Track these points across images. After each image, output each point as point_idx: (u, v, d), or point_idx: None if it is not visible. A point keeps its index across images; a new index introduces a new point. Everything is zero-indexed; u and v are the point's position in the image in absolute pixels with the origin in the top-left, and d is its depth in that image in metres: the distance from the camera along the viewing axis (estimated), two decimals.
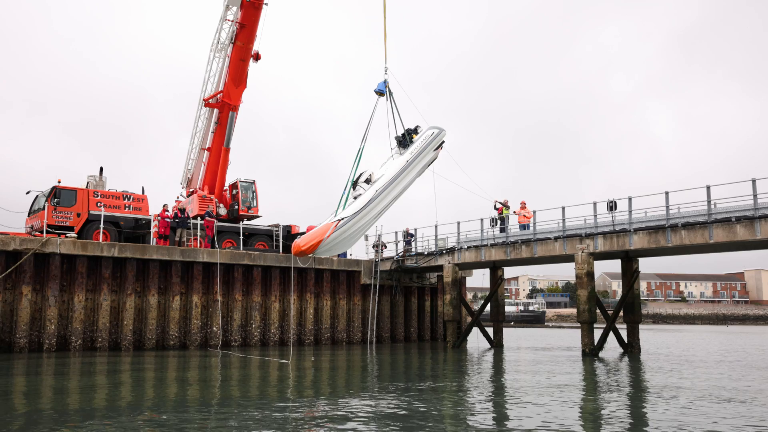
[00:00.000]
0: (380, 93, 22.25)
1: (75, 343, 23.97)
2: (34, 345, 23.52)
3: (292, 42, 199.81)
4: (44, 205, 25.78)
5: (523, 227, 26.76)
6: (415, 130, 22.47)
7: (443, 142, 22.72)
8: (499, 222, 27.11)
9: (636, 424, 10.10)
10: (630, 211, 22.68)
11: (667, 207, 21.68)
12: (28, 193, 27.68)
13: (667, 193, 21.68)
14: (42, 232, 24.92)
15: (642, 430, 9.57)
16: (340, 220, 18.14)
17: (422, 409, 11.27)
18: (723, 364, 22.09)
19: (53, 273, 23.88)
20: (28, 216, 27.85)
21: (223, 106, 30.94)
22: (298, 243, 17.95)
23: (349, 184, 20.00)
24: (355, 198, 19.57)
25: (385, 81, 22.27)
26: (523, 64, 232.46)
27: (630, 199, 22.73)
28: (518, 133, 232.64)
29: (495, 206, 27.36)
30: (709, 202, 20.61)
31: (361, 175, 20.58)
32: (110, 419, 9.97)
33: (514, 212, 27.20)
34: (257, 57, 30.78)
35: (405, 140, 22.14)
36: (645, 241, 22.30)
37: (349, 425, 9.73)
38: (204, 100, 31.32)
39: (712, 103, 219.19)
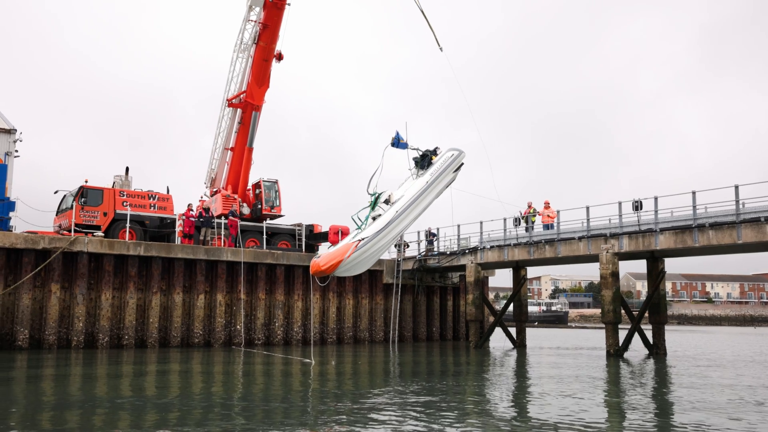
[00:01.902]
0: (397, 145, 21.64)
1: (102, 341, 24.39)
2: (63, 342, 23.98)
3: (314, 41, 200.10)
4: (72, 205, 26.26)
5: (547, 227, 26.60)
6: (435, 152, 22.32)
7: (462, 164, 22.56)
8: (523, 221, 26.99)
9: (663, 428, 9.97)
10: (656, 211, 22.40)
11: (694, 207, 21.36)
12: (56, 192, 28.28)
13: (694, 193, 21.39)
14: (70, 231, 25.38)
15: None
16: (360, 240, 18.09)
17: (445, 407, 11.25)
18: (754, 365, 21.68)
19: (81, 271, 24.33)
20: (57, 215, 28.39)
21: (246, 106, 31.18)
22: (318, 263, 17.64)
23: (365, 225, 19.56)
24: (374, 219, 19.52)
25: (405, 143, 21.60)
26: (548, 60, 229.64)
27: (656, 198, 22.48)
28: (541, 130, 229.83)
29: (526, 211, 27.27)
30: (737, 201, 20.27)
31: (380, 195, 20.45)
32: (136, 412, 10.13)
33: (539, 213, 27.04)
34: (280, 57, 30.97)
35: (424, 162, 21.96)
36: (671, 242, 22.00)
37: (373, 420, 9.75)
38: (227, 100, 31.60)
39: (743, 100, 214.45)
